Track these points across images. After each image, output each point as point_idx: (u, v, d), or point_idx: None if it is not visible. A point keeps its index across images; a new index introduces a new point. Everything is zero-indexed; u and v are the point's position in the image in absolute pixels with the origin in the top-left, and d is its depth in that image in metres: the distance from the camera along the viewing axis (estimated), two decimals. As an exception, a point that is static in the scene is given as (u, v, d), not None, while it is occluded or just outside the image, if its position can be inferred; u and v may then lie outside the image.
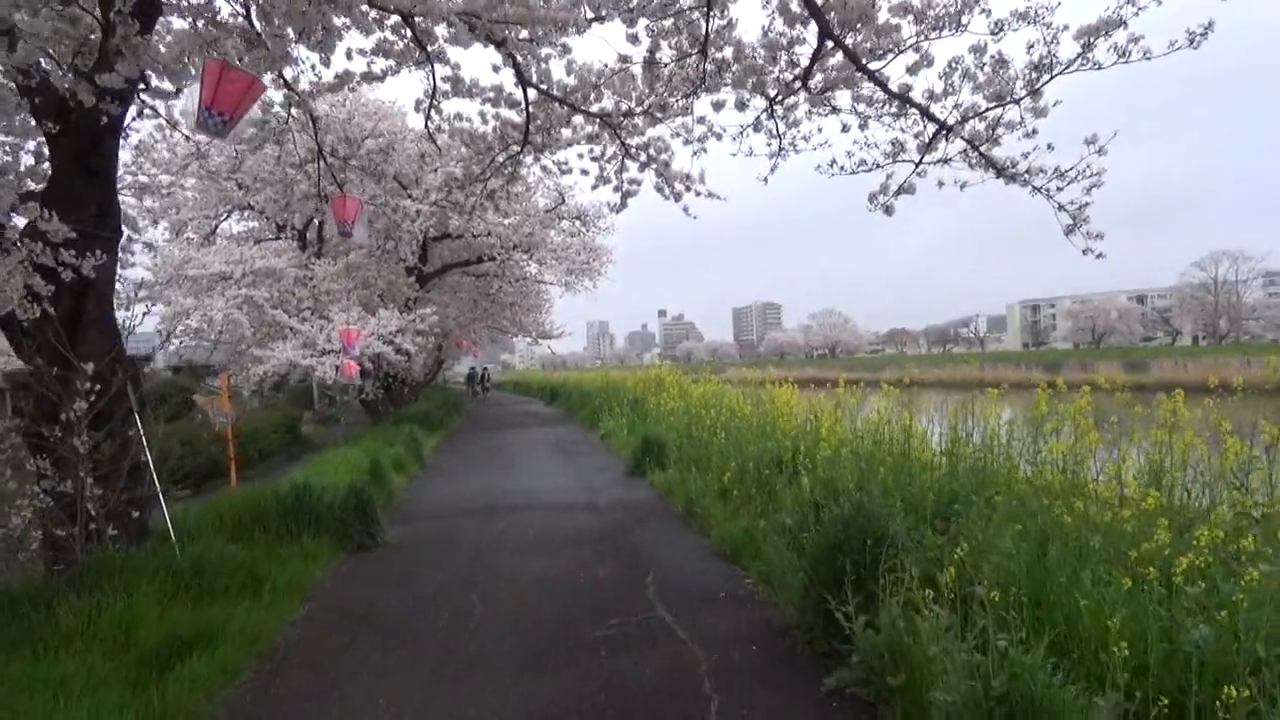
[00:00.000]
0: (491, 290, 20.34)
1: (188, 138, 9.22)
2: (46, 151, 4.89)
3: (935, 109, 4.87)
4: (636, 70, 5.69)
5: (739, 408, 8.92)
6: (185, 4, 4.45)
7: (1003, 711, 2.41)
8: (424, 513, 8.04)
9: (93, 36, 4.28)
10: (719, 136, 6.09)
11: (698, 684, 3.50)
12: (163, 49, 4.18)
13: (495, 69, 5.66)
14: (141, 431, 5.23)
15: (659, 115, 6.06)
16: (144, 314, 5.82)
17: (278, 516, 6.14)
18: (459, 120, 6.54)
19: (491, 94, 6.03)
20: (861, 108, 5.22)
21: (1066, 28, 4.19)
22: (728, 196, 6.84)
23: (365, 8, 4.81)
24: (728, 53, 5.23)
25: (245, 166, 12.98)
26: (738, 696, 3.36)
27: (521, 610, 4.66)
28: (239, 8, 4.54)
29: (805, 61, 5.03)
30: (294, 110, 6.32)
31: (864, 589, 3.45)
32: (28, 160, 4.85)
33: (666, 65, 5.50)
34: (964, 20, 4.41)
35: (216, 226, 15.94)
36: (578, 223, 18.08)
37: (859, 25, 4.66)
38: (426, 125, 6.44)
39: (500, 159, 6.63)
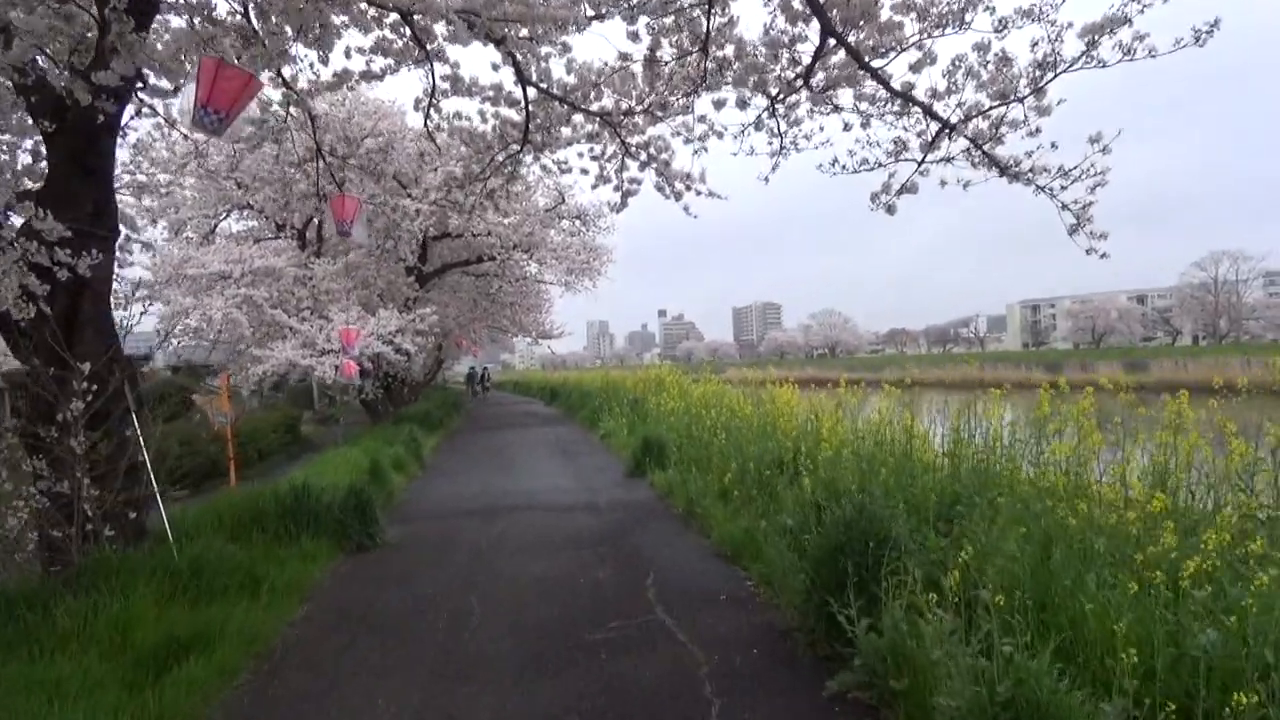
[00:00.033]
0: (491, 290, 20.31)
1: (186, 136, 9.20)
2: (44, 150, 4.86)
3: (938, 107, 4.85)
4: (637, 68, 5.66)
5: (739, 408, 8.89)
6: (182, 1, 4.42)
7: (1008, 717, 2.38)
8: (423, 513, 8.02)
9: (90, 35, 4.25)
10: (720, 135, 6.06)
11: (698, 687, 3.48)
12: (160, 47, 4.15)
13: (495, 67, 5.63)
14: (139, 431, 5.20)
15: (659, 114, 6.02)
16: (141, 313, 5.77)
17: (276, 517, 6.11)
18: (458, 119, 6.50)
19: (491, 92, 5.99)
20: (864, 106, 5.20)
21: (1071, 25, 4.16)
22: (728, 196, 6.81)
23: (364, 5, 4.79)
24: (729, 50, 5.20)
25: (244, 166, 12.96)
26: (739, 700, 3.33)
27: (521, 612, 4.63)
28: (236, 5, 4.51)
29: (807, 59, 5.00)
30: (293, 109, 6.28)
31: (866, 591, 3.41)
32: (25, 159, 4.83)
33: (667, 63, 5.47)
34: (968, 17, 4.38)
35: (216, 226, 15.93)
36: (578, 222, 18.05)
37: (862, 22, 4.63)
38: (426, 124, 6.41)
39: (500, 158, 6.60)
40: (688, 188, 6.75)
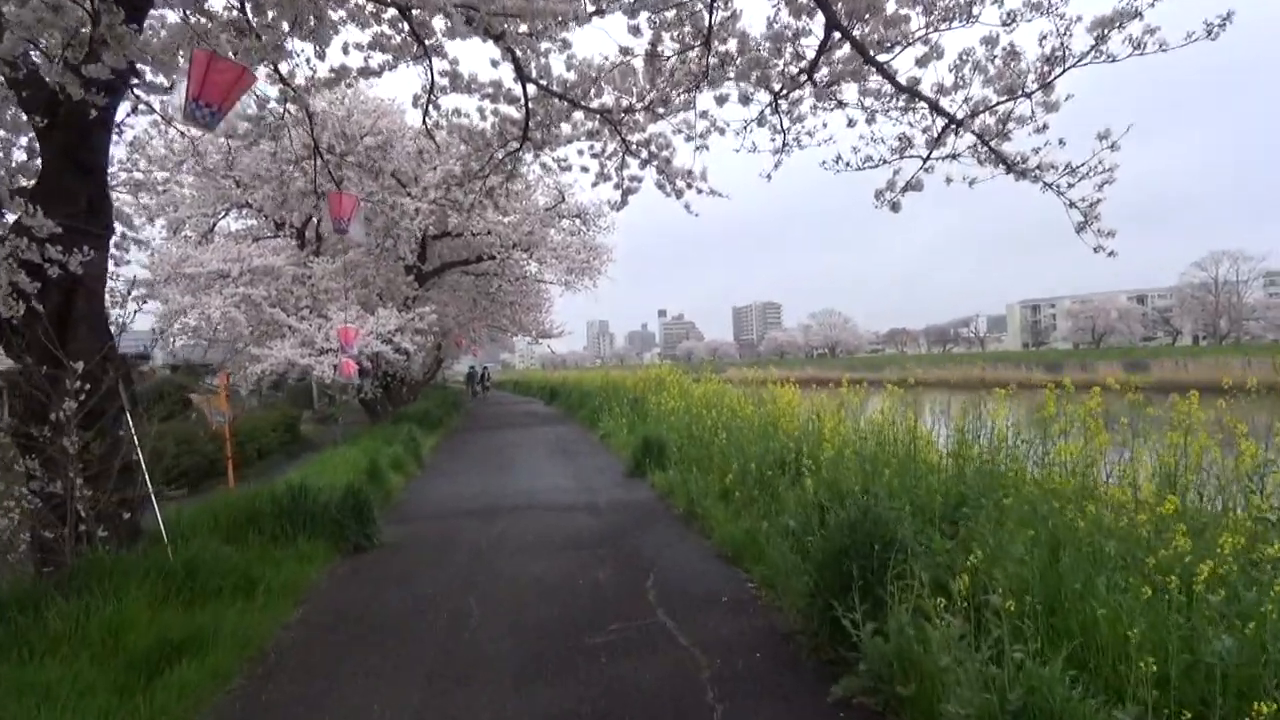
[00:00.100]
0: (491, 289, 20.25)
1: (183, 134, 9.13)
2: (39, 148, 4.79)
3: (944, 103, 4.78)
4: (638, 64, 5.60)
5: (740, 408, 8.83)
6: (177, -5, 4.35)
7: (1019, 726, 2.32)
8: (422, 513, 7.96)
9: (83, 30, 4.19)
10: (722, 132, 5.99)
11: (700, 692, 3.42)
12: (154, 41, 4.09)
13: (494, 64, 5.57)
14: (133, 431, 5.13)
15: (660, 111, 5.96)
16: (135, 311, 5.69)
17: (273, 517, 6.04)
18: (457, 116, 6.44)
19: (490, 89, 5.93)
20: (868, 102, 5.13)
21: (1080, 19, 4.10)
22: (730, 193, 6.74)
23: (361, 0, 4.73)
24: (732, 45, 5.14)
25: (241, 164, 12.89)
26: (741, 704, 3.27)
27: (521, 613, 4.57)
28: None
29: (811, 54, 4.94)
30: (290, 106, 6.22)
31: (871, 594, 3.35)
32: (19, 156, 4.76)
33: (669, 59, 5.40)
34: (975, 11, 4.33)
35: (214, 224, 15.85)
36: (578, 221, 17.99)
37: (867, 16, 4.57)
38: (424, 121, 6.34)
39: (499, 156, 6.54)
40: (689, 185, 6.69)
